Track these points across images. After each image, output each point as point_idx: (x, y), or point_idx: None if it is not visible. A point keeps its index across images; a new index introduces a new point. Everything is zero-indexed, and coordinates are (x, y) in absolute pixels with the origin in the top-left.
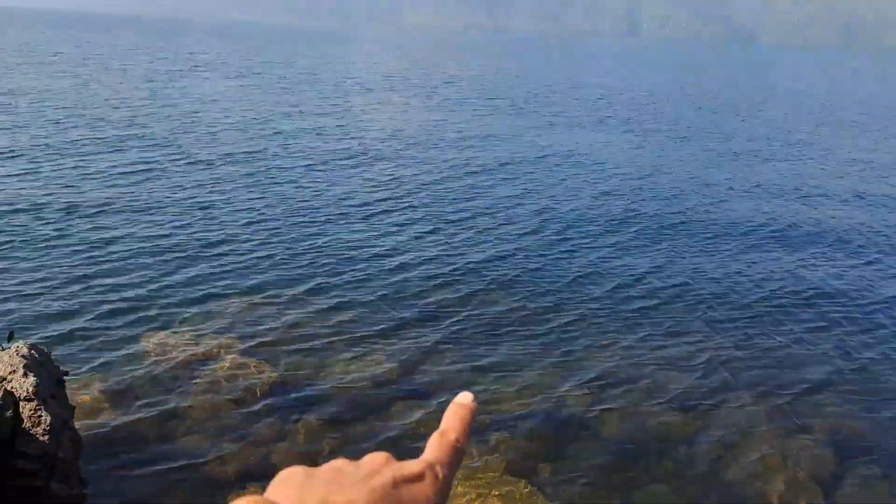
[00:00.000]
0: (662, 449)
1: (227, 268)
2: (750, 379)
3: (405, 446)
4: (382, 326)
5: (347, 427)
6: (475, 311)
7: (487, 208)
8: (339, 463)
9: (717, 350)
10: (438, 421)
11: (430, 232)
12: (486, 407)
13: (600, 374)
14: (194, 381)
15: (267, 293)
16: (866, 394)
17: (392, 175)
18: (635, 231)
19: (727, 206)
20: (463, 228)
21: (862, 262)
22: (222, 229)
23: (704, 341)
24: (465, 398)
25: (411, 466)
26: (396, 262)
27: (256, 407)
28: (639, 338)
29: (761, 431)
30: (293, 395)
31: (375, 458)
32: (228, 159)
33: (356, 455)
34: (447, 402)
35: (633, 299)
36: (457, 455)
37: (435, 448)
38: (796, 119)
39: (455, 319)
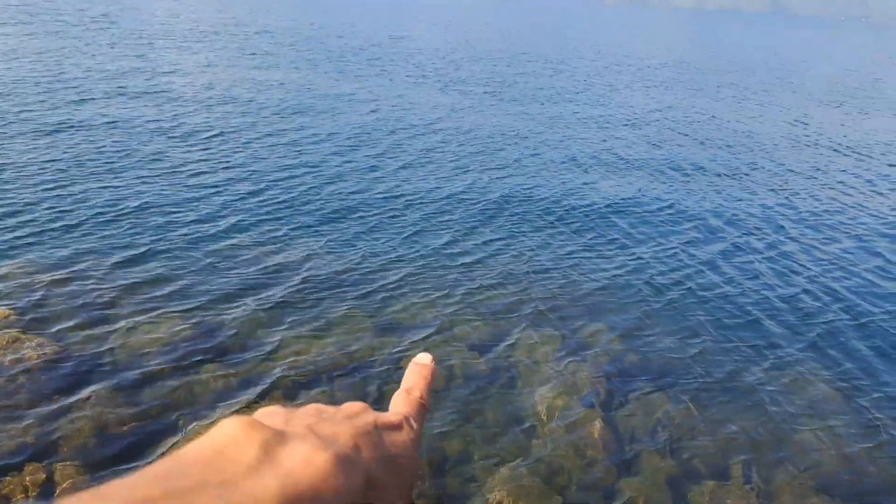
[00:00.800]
0: (471, 387)
1: (5, 233)
2: (561, 322)
3: (218, 416)
4: (197, 293)
5: (145, 398)
6: (303, 275)
7: (314, 166)
8: (319, 405)
9: (537, 299)
10: (251, 384)
11: (254, 192)
12: (314, 365)
13: (429, 329)
14: None
15: (53, 261)
16: (650, 328)
17: (209, 134)
18: (462, 188)
19: (549, 164)
20: (288, 188)
21: (664, 207)
22: (4, 193)
23: (526, 290)
24: (424, 358)
25: (390, 416)
26: (215, 226)
27: (37, 382)
28: (466, 291)
29: (559, 365)
30: (82, 369)
31: (354, 405)
32: (18, 117)
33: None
34: (260, 368)
35: (460, 255)
36: (423, 411)
37: (402, 404)
38: (597, 73)
39: (281, 284)
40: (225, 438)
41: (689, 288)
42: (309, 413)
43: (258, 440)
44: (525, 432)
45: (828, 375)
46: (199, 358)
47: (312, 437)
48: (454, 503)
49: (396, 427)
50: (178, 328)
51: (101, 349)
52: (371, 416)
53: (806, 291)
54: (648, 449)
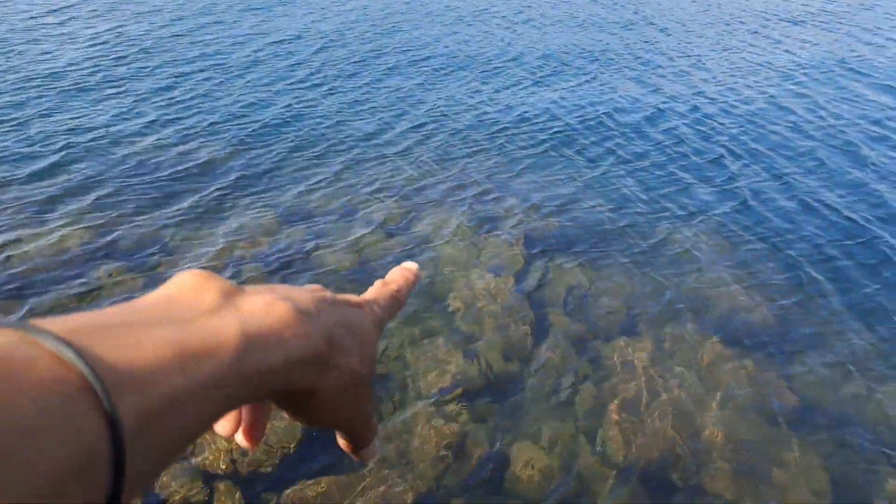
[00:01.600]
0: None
1: None
2: (492, 200)
3: None
4: (113, 201)
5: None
6: (226, 173)
7: (221, 59)
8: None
9: (468, 183)
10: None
11: (161, 89)
12: (243, 267)
13: (355, 221)
14: None
15: None
16: (579, 201)
17: (106, 33)
18: (383, 69)
19: (463, 36)
20: (198, 82)
21: (588, 81)
22: None
23: (460, 173)
24: (412, 265)
25: (349, 295)
26: (127, 129)
27: None
28: (401, 180)
29: (488, 241)
30: None
31: (312, 285)
32: None
33: None
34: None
35: (390, 143)
36: (394, 303)
37: (375, 291)
38: None
39: (203, 185)
40: (183, 287)
41: (618, 156)
42: (264, 285)
43: (217, 288)
44: (449, 309)
45: (758, 232)
46: (116, 268)
47: (271, 292)
48: (377, 383)
49: (355, 305)
50: (92, 238)
51: (16, 269)
52: (329, 292)
53: (730, 152)
54: (577, 316)
